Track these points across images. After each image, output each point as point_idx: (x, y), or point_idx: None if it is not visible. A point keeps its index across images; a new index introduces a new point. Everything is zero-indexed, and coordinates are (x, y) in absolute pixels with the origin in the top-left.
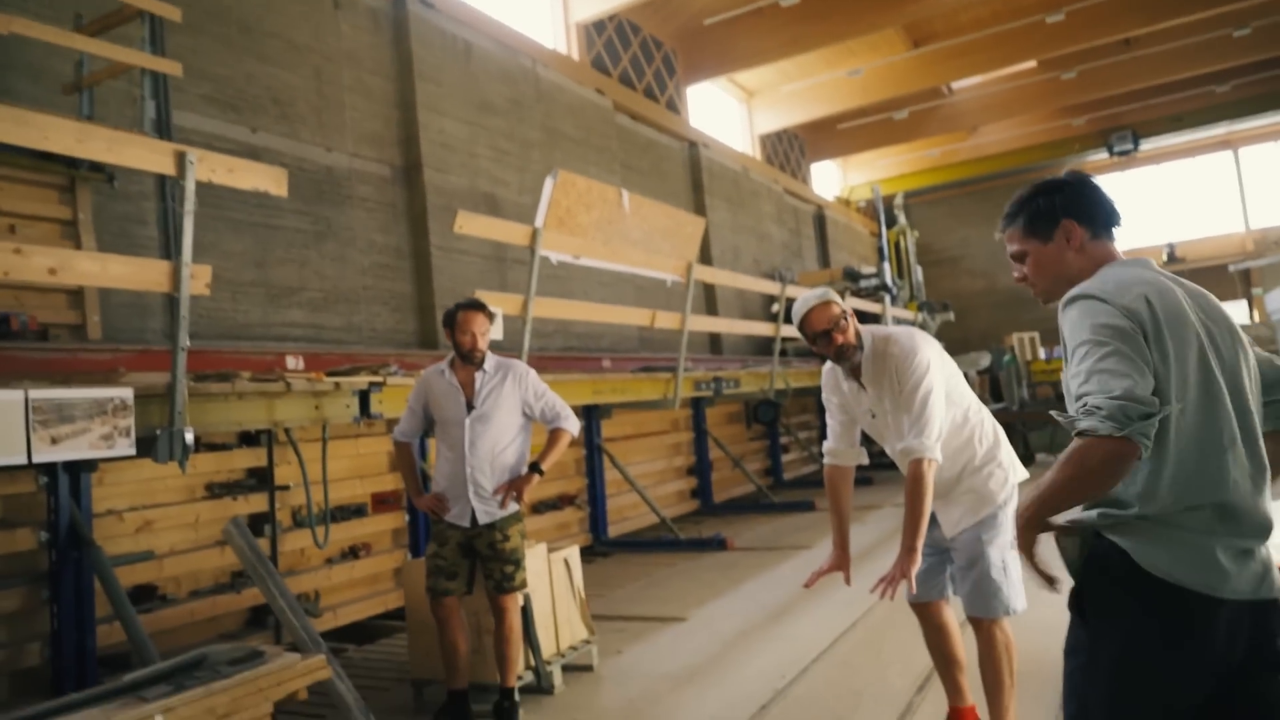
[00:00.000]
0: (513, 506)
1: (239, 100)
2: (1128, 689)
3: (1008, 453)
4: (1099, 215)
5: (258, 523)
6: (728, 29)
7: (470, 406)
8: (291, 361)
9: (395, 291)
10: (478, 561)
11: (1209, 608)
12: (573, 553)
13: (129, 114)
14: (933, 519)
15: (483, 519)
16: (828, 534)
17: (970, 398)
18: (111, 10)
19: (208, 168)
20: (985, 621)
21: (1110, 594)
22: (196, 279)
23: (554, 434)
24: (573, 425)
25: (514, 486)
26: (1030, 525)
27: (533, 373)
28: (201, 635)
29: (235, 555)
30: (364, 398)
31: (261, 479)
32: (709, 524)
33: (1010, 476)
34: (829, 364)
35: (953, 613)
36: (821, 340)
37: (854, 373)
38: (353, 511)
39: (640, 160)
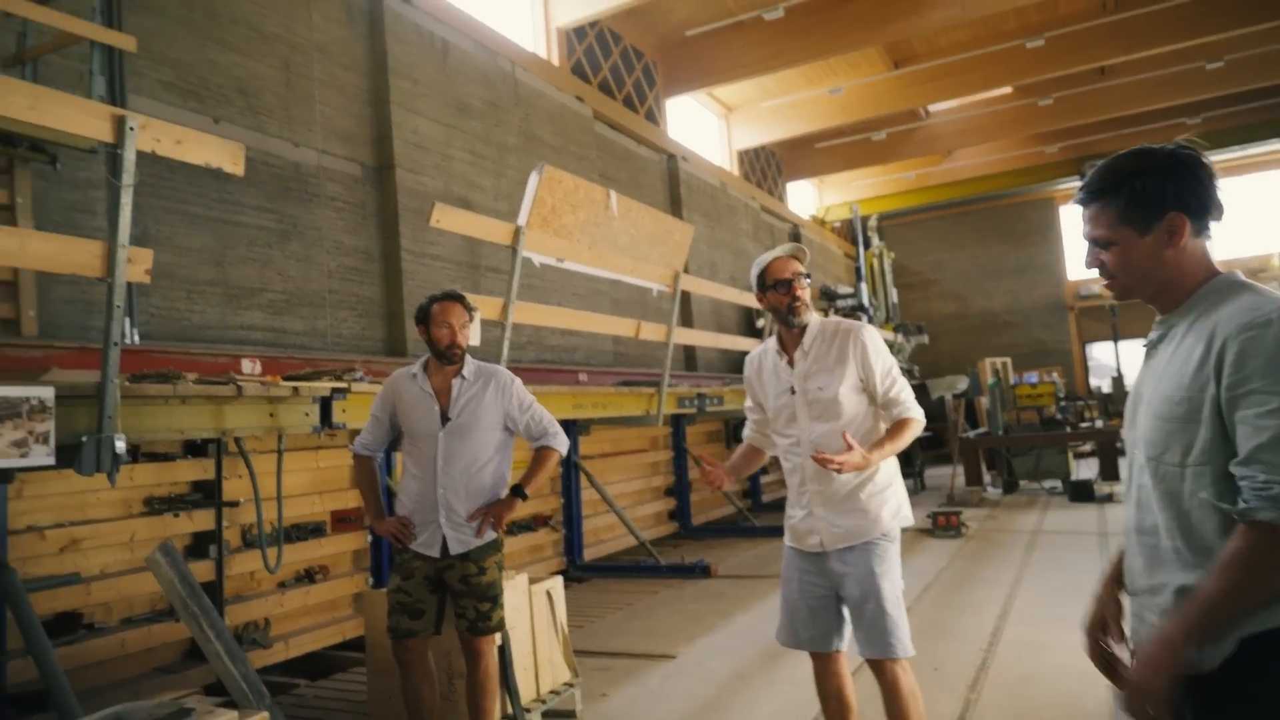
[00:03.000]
0: (490, 535)
1: (202, 88)
2: None
3: (902, 489)
4: (1209, 210)
5: (203, 542)
6: (709, 41)
7: (445, 417)
8: (248, 365)
9: (362, 296)
10: (448, 597)
11: None
12: (555, 585)
13: (79, 94)
14: (819, 554)
15: (455, 548)
16: None
17: None
18: None
19: (151, 136)
20: (888, 664)
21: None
22: (135, 263)
23: (540, 453)
24: (562, 443)
25: (492, 511)
26: (1189, 645)
27: (518, 381)
28: (134, 669)
29: (161, 587)
30: (325, 405)
31: (208, 493)
32: (689, 548)
33: (903, 509)
34: (756, 351)
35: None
36: (781, 288)
37: (786, 348)
38: (310, 530)
39: (618, 171)
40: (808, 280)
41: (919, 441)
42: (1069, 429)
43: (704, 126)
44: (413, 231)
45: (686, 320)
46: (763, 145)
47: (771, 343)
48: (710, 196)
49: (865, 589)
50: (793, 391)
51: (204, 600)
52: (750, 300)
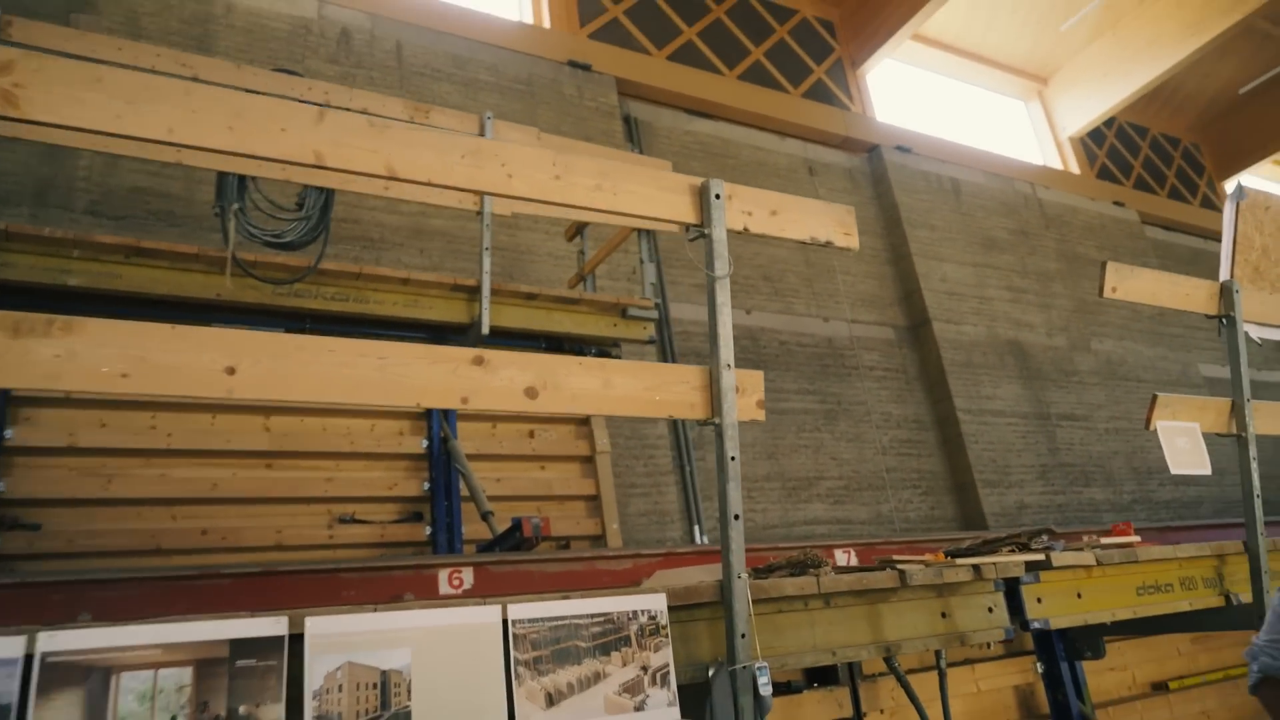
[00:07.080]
0: None
1: (732, 284)
2: None
3: None
4: None
5: None
6: (1265, 98)
7: None
8: (841, 556)
9: (922, 470)
10: None
11: None
12: None
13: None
14: None
15: None
16: None
17: None
18: None
19: (740, 209)
20: None
21: None
22: (745, 394)
23: None
24: None
25: None
26: None
27: None
28: None
29: None
30: (1012, 591)
31: None
32: None
33: None
34: None
35: None
36: None
37: None
38: None
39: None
40: None
41: None
42: None
43: None
44: (964, 388)
45: None
46: None
47: None
48: None
49: None
50: None
51: None
52: None
